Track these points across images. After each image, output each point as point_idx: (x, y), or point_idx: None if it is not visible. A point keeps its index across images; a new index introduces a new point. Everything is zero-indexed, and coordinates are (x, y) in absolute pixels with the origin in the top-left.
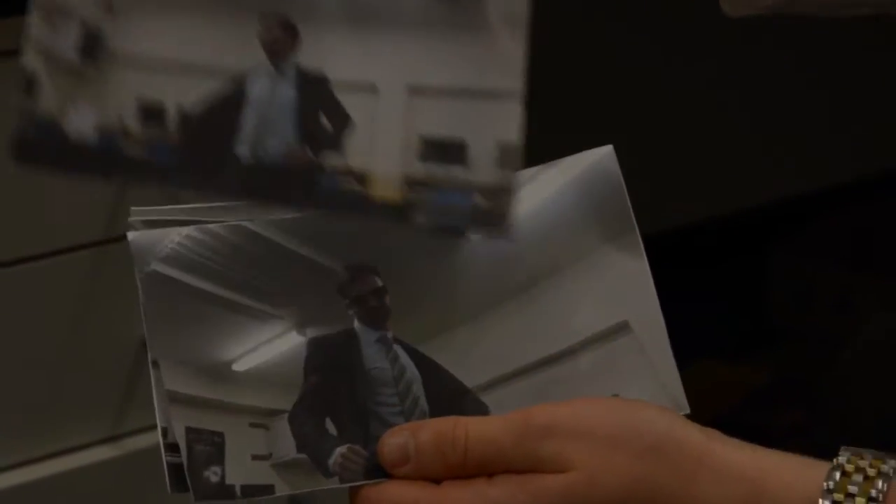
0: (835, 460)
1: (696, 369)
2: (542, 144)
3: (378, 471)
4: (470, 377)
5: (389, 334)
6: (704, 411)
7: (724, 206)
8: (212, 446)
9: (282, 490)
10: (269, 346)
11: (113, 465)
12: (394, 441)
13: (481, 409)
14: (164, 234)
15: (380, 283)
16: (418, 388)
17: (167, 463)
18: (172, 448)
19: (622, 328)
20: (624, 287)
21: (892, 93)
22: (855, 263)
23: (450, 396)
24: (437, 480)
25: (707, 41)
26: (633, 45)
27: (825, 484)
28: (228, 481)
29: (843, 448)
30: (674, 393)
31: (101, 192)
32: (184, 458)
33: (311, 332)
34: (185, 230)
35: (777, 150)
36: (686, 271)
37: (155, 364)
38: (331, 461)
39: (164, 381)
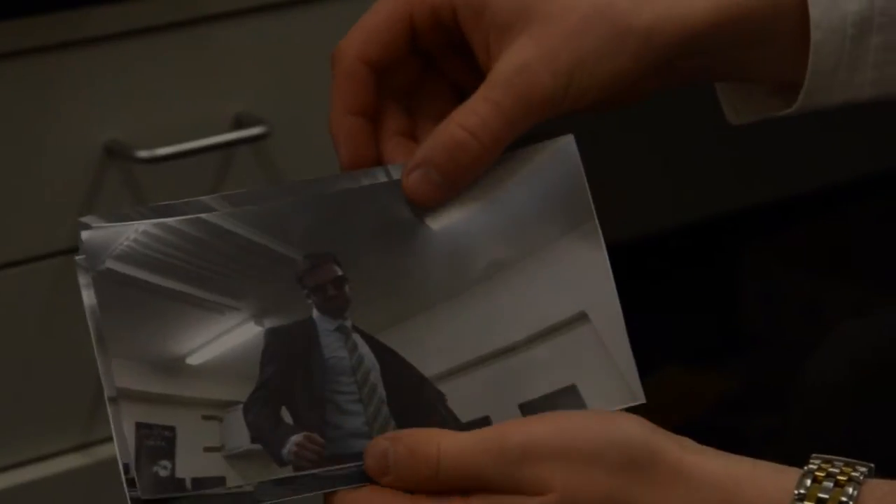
0: (806, 467)
1: (666, 376)
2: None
3: (333, 459)
4: (428, 366)
5: (348, 323)
6: (675, 418)
7: (692, 212)
8: (162, 441)
9: (233, 481)
10: (227, 338)
11: (83, 474)
12: (377, 449)
13: (439, 398)
14: (119, 233)
15: (339, 272)
16: (376, 377)
17: (130, 498)
18: (133, 484)
19: (580, 318)
20: (582, 277)
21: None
22: (824, 270)
23: (408, 385)
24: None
25: None
26: None
27: (796, 491)
28: (178, 475)
29: (813, 455)
30: (630, 383)
31: (67, 202)
32: (131, 455)
33: (269, 323)
34: (142, 226)
35: (746, 157)
36: (654, 279)
37: (113, 400)
38: (285, 450)
39: (114, 379)
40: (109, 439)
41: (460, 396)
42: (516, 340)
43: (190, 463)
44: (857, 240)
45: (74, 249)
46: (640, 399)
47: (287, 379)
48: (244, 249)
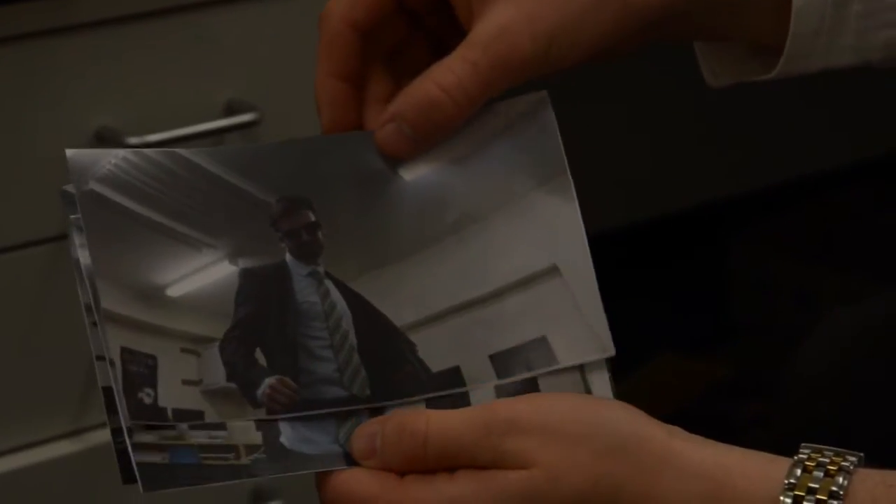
0: (796, 456)
1: (657, 363)
2: None
3: (306, 405)
4: (399, 316)
5: (321, 269)
6: (666, 404)
7: (684, 201)
8: (145, 368)
9: (211, 417)
10: (202, 274)
11: (75, 460)
12: (364, 431)
13: (410, 348)
14: (101, 155)
15: (313, 217)
16: (348, 324)
17: (116, 451)
18: (118, 433)
19: (551, 271)
20: (554, 230)
21: (850, 89)
22: (815, 258)
23: (378, 334)
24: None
25: None
26: None
27: (786, 481)
28: (161, 403)
29: (803, 444)
30: (601, 335)
31: (58, 189)
32: (118, 379)
33: (244, 263)
34: (122, 152)
35: (736, 144)
36: (644, 268)
37: (99, 358)
38: (259, 391)
39: (101, 300)
40: (101, 426)
41: (431, 346)
42: (487, 292)
43: (171, 394)
44: (847, 227)
45: (65, 236)
46: (610, 351)
47: (261, 321)
48: (219, 188)
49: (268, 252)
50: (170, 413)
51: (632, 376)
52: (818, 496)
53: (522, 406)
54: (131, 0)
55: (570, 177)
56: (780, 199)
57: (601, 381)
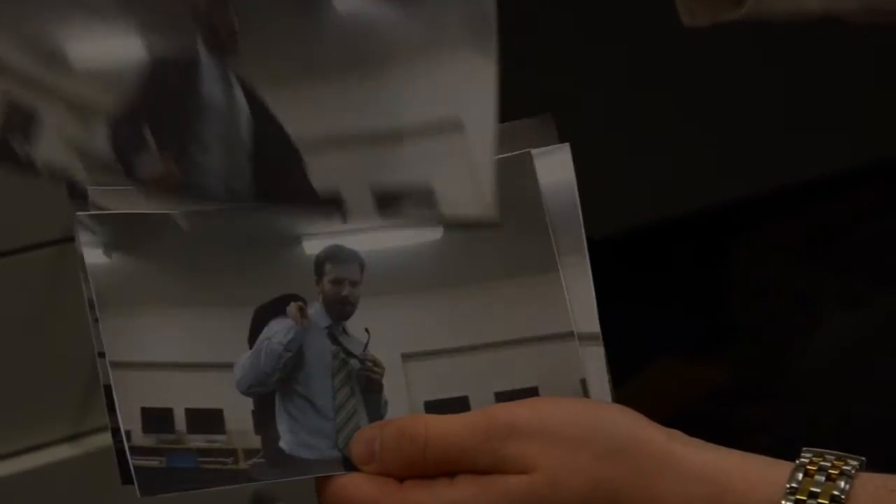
0: (797, 460)
1: (657, 368)
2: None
3: (188, 194)
4: (299, 130)
5: (232, 72)
6: (666, 409)
7: (683, 205)
8: (22, 119)
9: (88, 182)
10: (110, 48)
11: (74, 464)
12: (363, 436)
13: (300, 165)
14: None
15: (236, 22)
16: (246, 123)
17: (116, 451)
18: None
19: (453, 123)
20: (465, 86)
21: (848, 92)
22: (816, 260)
23: (274, 143)
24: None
25: (663, 40)
26: (588, 41)
27: (788, 485)
28: (34, 156)
29: (805, 448)
30: (486, 192)
31: (58, 193)
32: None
33: (154, 47)
34: None
35: (733, 147)
36: (644, 271)
37: (101, 355)
38: (142, 171)
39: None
40: (101, 430)
41: (320, 167)
42: (388, 129)
43: (48, 150)
44: (848, 230)
45: (69, 239)
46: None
47: (158, 100)
48: None
49: (182, 41)
50: (39, 166)
51: (631, 381)
52: (820, 500)
53: (522, 410)
54: None
55: (496, 38)
56: (781, 202)
57: (600, 385)
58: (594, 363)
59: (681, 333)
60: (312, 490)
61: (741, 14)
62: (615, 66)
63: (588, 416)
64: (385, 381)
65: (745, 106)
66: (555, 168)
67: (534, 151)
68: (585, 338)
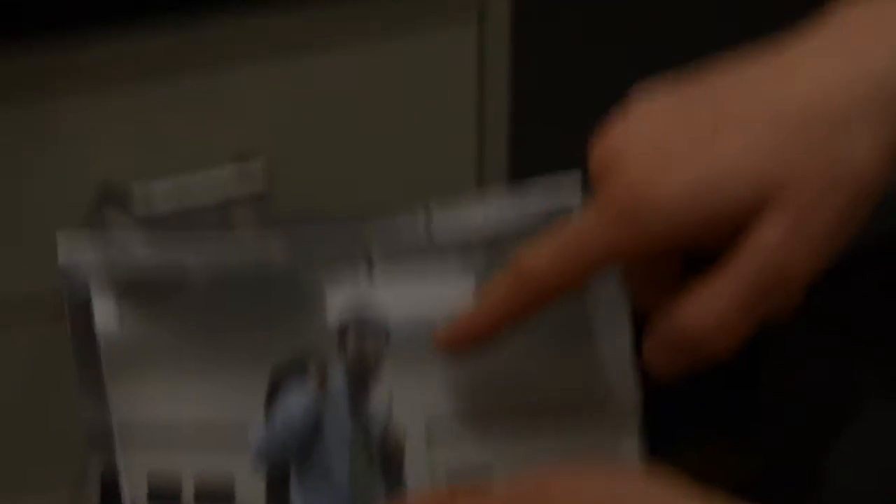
0: None
1: (684, 453)
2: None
3: None
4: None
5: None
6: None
7: None
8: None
9: None
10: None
11: None
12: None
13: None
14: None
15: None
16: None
17: None
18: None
19: None
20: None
21: None
22: (850, 340)
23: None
24: None
25: (666, 39)
26: (588, 41)
27: None
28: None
29: None
30: None
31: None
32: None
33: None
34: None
35: None
36: None
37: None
38: None
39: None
40: None
41: None
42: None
43: None
44: (874, 311)
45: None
46: None
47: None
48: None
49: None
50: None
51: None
52: None
53: (555, 481)
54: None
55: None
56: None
57: (631, 456)
58: (628, 436)
59: (708, 415)
60: None
61: None
62: (624, 74)
63: (622, 486)
64: (407, 446)
65: None
66: None
67: None
68: (620, 409)
